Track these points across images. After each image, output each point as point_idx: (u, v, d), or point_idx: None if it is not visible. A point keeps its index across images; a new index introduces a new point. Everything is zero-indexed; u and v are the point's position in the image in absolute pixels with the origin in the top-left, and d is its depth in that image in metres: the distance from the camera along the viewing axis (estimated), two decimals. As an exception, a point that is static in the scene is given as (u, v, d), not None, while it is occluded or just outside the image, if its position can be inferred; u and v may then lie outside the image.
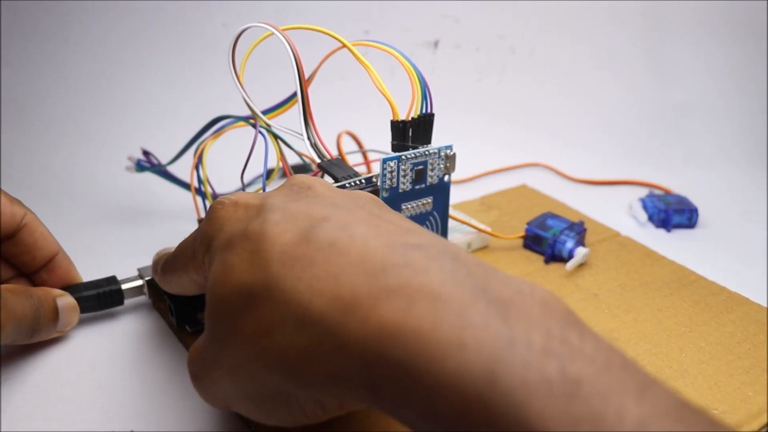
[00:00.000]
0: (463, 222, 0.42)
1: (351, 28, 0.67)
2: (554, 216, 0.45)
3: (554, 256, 0.42)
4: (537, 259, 0.43)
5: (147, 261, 0.36)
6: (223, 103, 0.49)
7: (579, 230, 0.43)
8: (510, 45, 0.71)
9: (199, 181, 0.39)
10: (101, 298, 0.34)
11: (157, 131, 0.59)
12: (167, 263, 0.29)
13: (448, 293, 0.19)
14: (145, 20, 0.63)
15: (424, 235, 0.22)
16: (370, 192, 0.34)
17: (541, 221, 0.44)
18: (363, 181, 0.35)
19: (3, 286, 0.29)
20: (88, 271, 0.36)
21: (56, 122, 0.59)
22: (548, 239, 0.42)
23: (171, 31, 0.64)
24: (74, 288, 0.34)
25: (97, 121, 0.60)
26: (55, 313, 0.32)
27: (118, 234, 0.46)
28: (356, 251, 0.20)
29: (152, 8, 0.63)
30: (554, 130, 0.68)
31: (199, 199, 0.41)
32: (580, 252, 0.41)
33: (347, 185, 0.34)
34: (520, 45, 0.71)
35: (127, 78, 0.63)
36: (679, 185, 0.56)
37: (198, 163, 0.39)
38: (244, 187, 0.39)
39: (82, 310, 0.34)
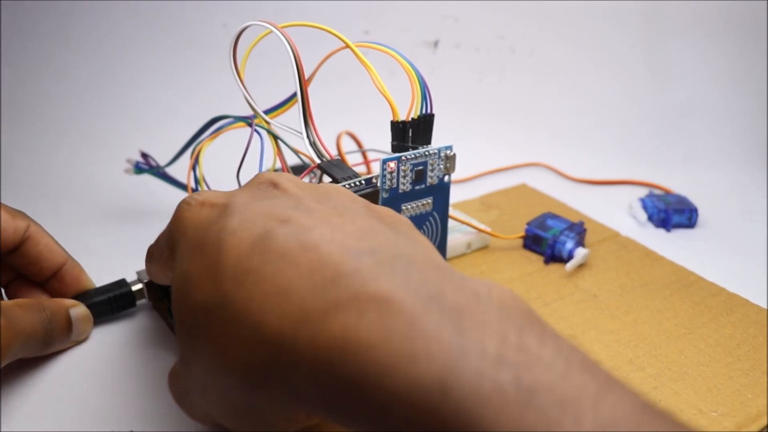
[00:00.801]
0: (463, 222, 0.42)
1: (351, 28, 0.67)
2: (554, 216, 0.45)
3: (554, 256, 0.42)
4: (537, 260, 0.43)
5: (146, 262, 0.36)
6: (223, 103, 0.49)
7: (579, 230, 0.43)
8: (510, 45, 0.71)
9: (196, 181, 0.39)
10: (113, 303, 0.34)
11: (157, 131, 0.59)
12: (149, 253, 0.29)
13: (398, 302, 0.18)
14: (145, 20, 0.63)
15: (380, 236, 0.22)
16: (369, 192, 0.34)
17: (541, 221, 0.44)
18: (363, 181, 0.35)
19: (14, 301, 0.28)
20: (87, 271, 0.36)
21: (56, 122, 0.59)
22: (548, 239, 0.42)
23: (171, 32, 0.64)
24: (85, 295, 0.34)
25: (97, 121, 0.60)
26: (69, 324, 0.31)
27: (118, 234, 0.45)
28: (307, 262, 0.20)
29: (152, 8, 0.63)
30: (554, 130, 0.68)
31: (198, 199, 0.41)
32: (580, 252, 0.41)
33: (347, 186, 0.34)
34: (520, 45, 0.71)
35: (127, 78, 0.63)
36: (679, 185, 0.56)
37: (195, 163, 0.39)
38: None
39: (95, 316, 0.34)
